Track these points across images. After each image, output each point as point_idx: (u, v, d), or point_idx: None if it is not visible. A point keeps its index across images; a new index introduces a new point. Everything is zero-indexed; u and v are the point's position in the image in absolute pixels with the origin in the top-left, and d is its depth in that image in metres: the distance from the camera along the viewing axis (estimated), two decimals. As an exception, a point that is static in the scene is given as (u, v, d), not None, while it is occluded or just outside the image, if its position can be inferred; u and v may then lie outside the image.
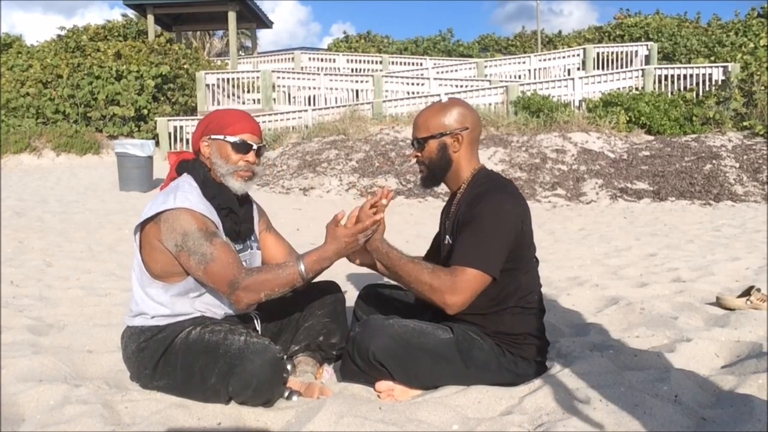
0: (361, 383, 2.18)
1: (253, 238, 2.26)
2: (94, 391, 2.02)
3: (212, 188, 2.08)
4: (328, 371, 2.31)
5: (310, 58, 19.67)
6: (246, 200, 2.24)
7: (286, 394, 2.05)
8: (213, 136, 2.09)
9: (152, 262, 2.03)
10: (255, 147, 2.10)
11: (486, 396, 2.01)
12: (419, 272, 1.99)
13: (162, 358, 2.00)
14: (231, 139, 2.07)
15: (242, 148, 2.08)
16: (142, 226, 2.04)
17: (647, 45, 17.69)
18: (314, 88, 15.91)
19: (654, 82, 13.64)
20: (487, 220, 1.99)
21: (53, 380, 2.13)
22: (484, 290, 2.02)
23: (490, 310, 2.09)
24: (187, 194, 2.01)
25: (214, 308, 2.10)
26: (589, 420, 1.79)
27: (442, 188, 2.20)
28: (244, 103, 15.76)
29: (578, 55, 17.73)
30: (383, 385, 2.09)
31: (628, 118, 11.95)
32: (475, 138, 2.17)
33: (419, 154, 2.17)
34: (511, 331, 2.09)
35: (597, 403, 1.90)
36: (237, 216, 2.13)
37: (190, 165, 2.13)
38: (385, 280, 2.51)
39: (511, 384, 2.10)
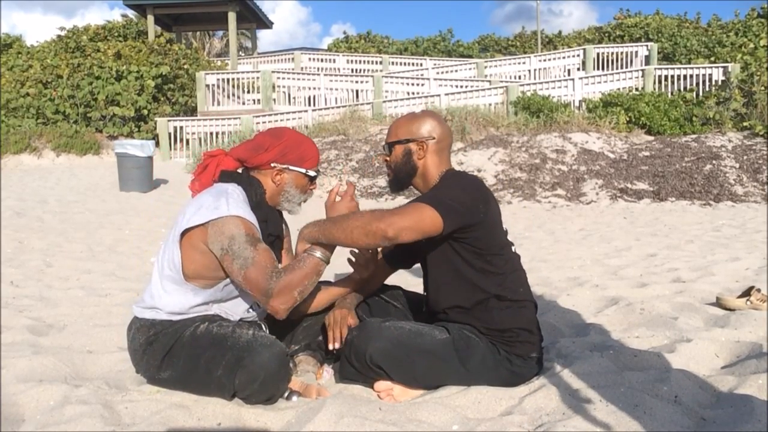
0: (359, 384, 2.18)
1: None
2: (94, 392, 2.02)
3: (264, 211, 2.11)
4: (328, 371, 2.31)
5: (310, 59, 19.65)
6: (281, 216, 2.29)
7: (286, 394, 2.05)
8: (292, 168, 2.14)
9: (187, 261, 2.01)
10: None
11: (486, 396, 2.01)
12: (356, 215, 2.02)
13: (169, 352, 2.01)
14: (312, 173, 2.18)
15: (314, 179, 2.21)
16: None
17: (647, 45, 17.69)
18: (314, 88, 15.91)
19: (654, 83, 13.64)
20: (446, 185, 2.10)
21: (53, 380, 2.13)
22: (462, 279, 2.07)
23: (473, 301, 2.09)
24: (239, 204, 2.01)
25: (230, 315, 2.12)
26: (590, 420, 1.79)
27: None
28: (244, 103, 15.76)
29: (578, 55, 17.73)
30: (382, 384, 2.10)
31: (628, 119, 11.95)
32: (443, 148, 2.22)
33: (388, 158, 2.25)
34: (501, 327, 2.09)
35: (597, 403, 1.90)
36: (281, 243, 2.22)
37: (245, 180, 2.13)
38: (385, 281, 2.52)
39: (509, 382, 2.10)
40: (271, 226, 2.13)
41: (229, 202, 1.98)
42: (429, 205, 1.96)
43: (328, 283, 2.35)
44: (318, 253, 1.98)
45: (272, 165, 2.12)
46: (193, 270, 2.01)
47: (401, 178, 2.23)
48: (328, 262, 2.01)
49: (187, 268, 2.02)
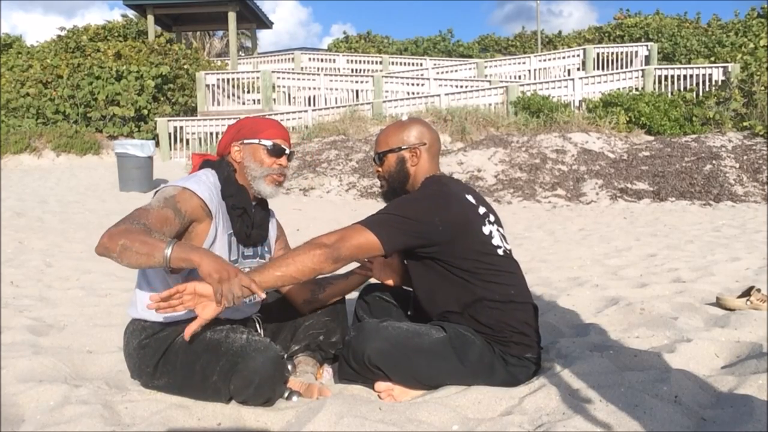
0: (359, 384, 2.18)
1: (266, 249, 2.26)
2: (94, 392, 2.02)
3: (232, 187, 2.11)
4: (328, 372, 2.31)
5: (310, 59, 19.65)
6: (266, 210, 2.27)
7: (286, 394, 2.05)
8: (246, 141, 2.14)
9: None
10: (288, 151, 2.18)
11: (486, 396, 2.00)
12: (293, 249, 1.98)
13: (162, 357, 2.00)
14: (266, 142, 2.13)
15: (276, 151, 2.14)
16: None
17: (647, 45, 17.69)
18: (314, 88, 15.92)
19: (654, 83, 13.65)
20: (407, 199, 2.12)
21: (53, 380, 2.13)
22: (448, 285, 2.08)
23: (462, 303, 2.09)
24: (200, 182, 2.04)
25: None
26: (590, 420, 1.79)
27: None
28: (244, 103, 15.76)
29: (578, 55, 17.73)
30: (382, 385, 2.10)
31: (628, 119, 11.96)
32: (434, 153, 2.25)
33: (380, 169, 2.26)
34: (492, 326, 2.08)
35: (597, 403, 1.89)
36: (249, 218, 2.14)
37: (216, 163, 2.17)
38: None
39: (506, 381, 2.10)
40: (236, 199, 2.11)
41: (189, 180, 2.03)
42: (367, 229, 1.97)
43: (337, 278, 2.34)
44: (168, 251, 1.75)
45: (232, 145, 2.16)
46: None
47: (396, 186, 2.24)
48: (165, 263, 1.76)
49: None
